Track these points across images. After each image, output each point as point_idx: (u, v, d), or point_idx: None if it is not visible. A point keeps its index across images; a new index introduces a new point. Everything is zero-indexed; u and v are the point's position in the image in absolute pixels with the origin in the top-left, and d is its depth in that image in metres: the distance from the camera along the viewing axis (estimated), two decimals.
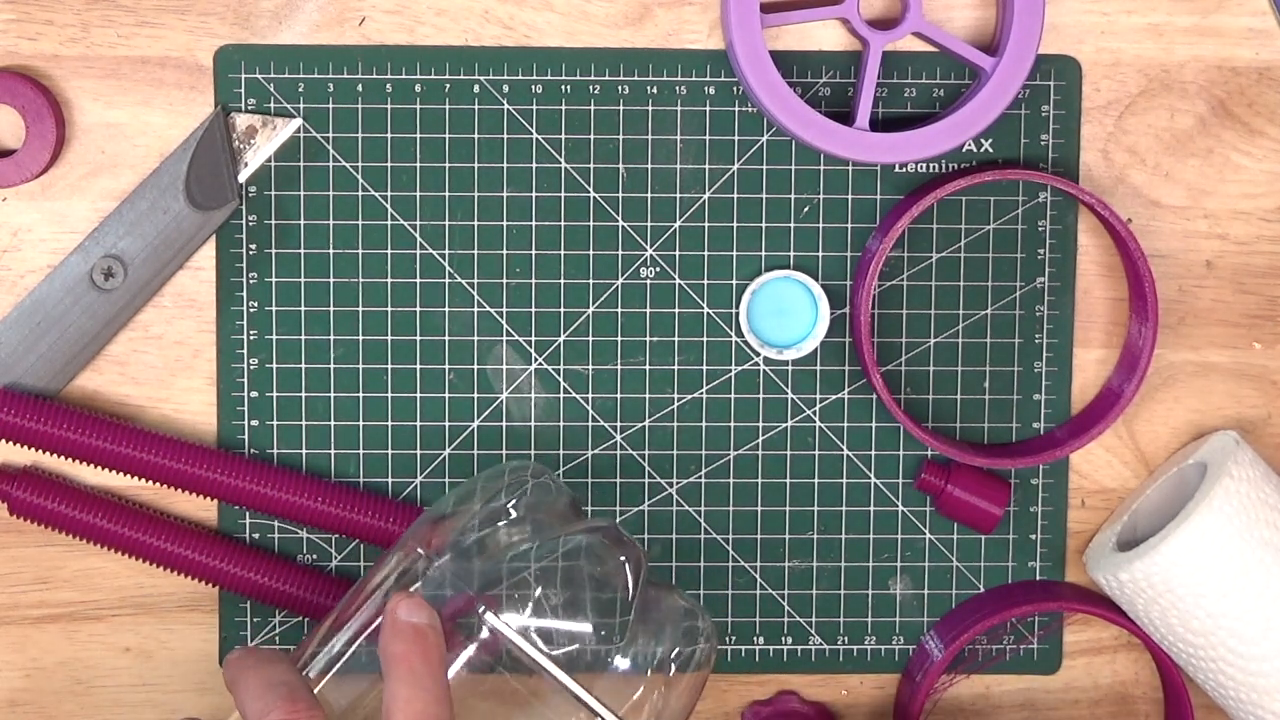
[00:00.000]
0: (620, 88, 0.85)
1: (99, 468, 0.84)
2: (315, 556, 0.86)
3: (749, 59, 0.82)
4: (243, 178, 0.84)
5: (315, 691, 0.72)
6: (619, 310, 0.86)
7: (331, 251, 0.85)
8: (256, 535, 0.86)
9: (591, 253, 0.86)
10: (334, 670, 0.74)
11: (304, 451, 0.86)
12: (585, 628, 0.74)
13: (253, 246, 0.85)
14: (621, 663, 0.75)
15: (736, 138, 0.85)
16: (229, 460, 0.84)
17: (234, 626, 0.86)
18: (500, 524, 0.76)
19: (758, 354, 0.86)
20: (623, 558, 0.76)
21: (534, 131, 0.85)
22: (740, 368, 0.86)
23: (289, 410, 0.86)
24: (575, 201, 0.85)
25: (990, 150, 0.86)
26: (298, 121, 0.84)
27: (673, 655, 0.77)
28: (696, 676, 0.77)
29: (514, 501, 0.77)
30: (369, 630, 0.74)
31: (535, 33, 0.85)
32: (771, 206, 0.86)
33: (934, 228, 0.86)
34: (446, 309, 0.86)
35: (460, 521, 0.76)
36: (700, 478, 0.87)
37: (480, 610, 0.73)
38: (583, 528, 0.76)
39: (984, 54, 0.83)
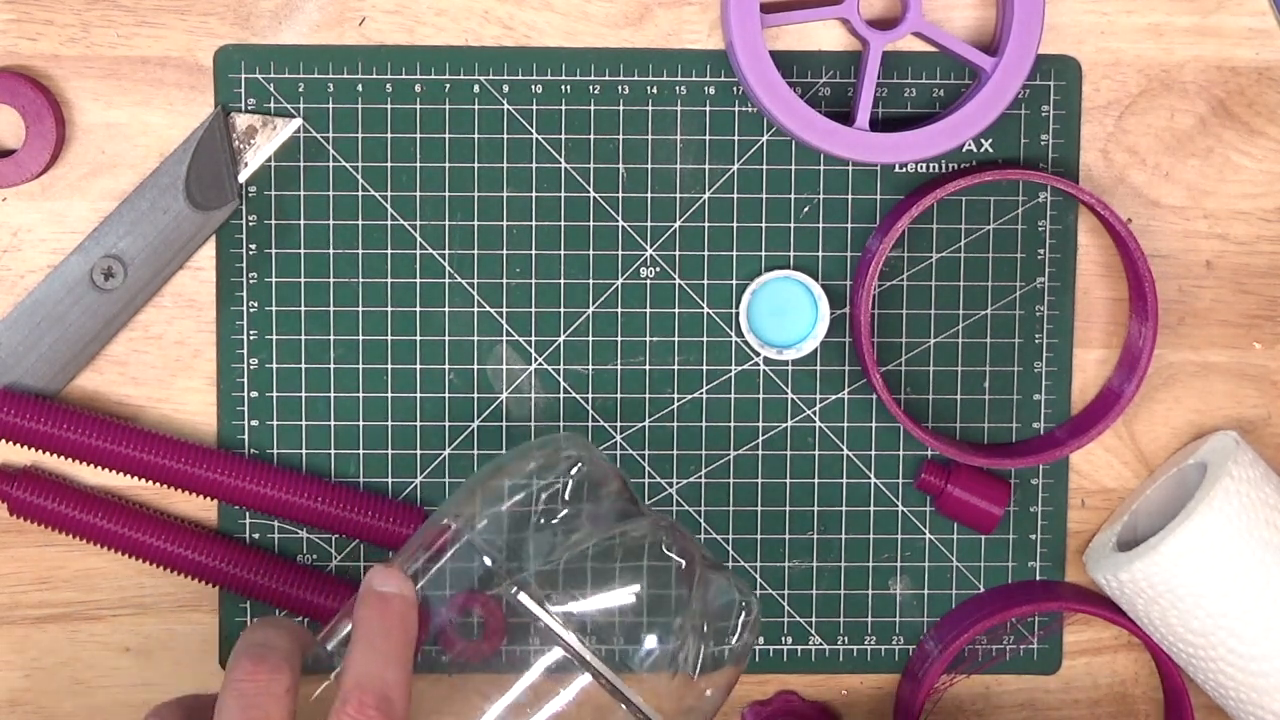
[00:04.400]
0: (620, 88, 0.85)
1: (99, 468, 0.84)
2: (315, 556, 0.86)
3: (749, 59, 0.82)
4: (243, 178, 0.84)
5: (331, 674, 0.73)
6: (619, 310, 0.86)
7: (331, 251, 0.85)
8: (256, 535, 0.86)
9: (591, 253, 0.86)
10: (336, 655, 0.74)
11: (304, 451, 0.86)
12: (646, 635, 0.74)
13: (253, 246, 0.85)
14: (662, 654, 0.75)
15: (736, 138, 0.85)
16: (229, 460, 0.84)
17: (234, 626, 0.86)
18: (554, 519, 0.75)
19: (758, 354, 0.86)
20: (681, 559, 0.75)
21: (534, 131, 0.85)
22: (740, 368, 0.86)
23: (289, 410, 0.86)
24: (575, 201, 0.85)
25: (990, 150, 0.86)
26: (298, 121, 0.85)
27: (715, 648, 0.76)
28: (736, 668, 0.77)
29: (566, 490, 0.76)
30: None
31: (535, 33, 0.85)
32: (771, 206, 0.86)
33: (934, 228, 0.86)
34: (446, 309, 0.86)
35: (503, 503, 0.75)
36: (700, 478, 0.87)
37: (514, 592, 0.73)
38: (640, 528, 0.76)
39: (984, 54, 0.83)
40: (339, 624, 0.74)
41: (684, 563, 0.75)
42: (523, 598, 0.73)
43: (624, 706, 0.73)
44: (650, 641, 0.74)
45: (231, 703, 0.68)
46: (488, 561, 0.74)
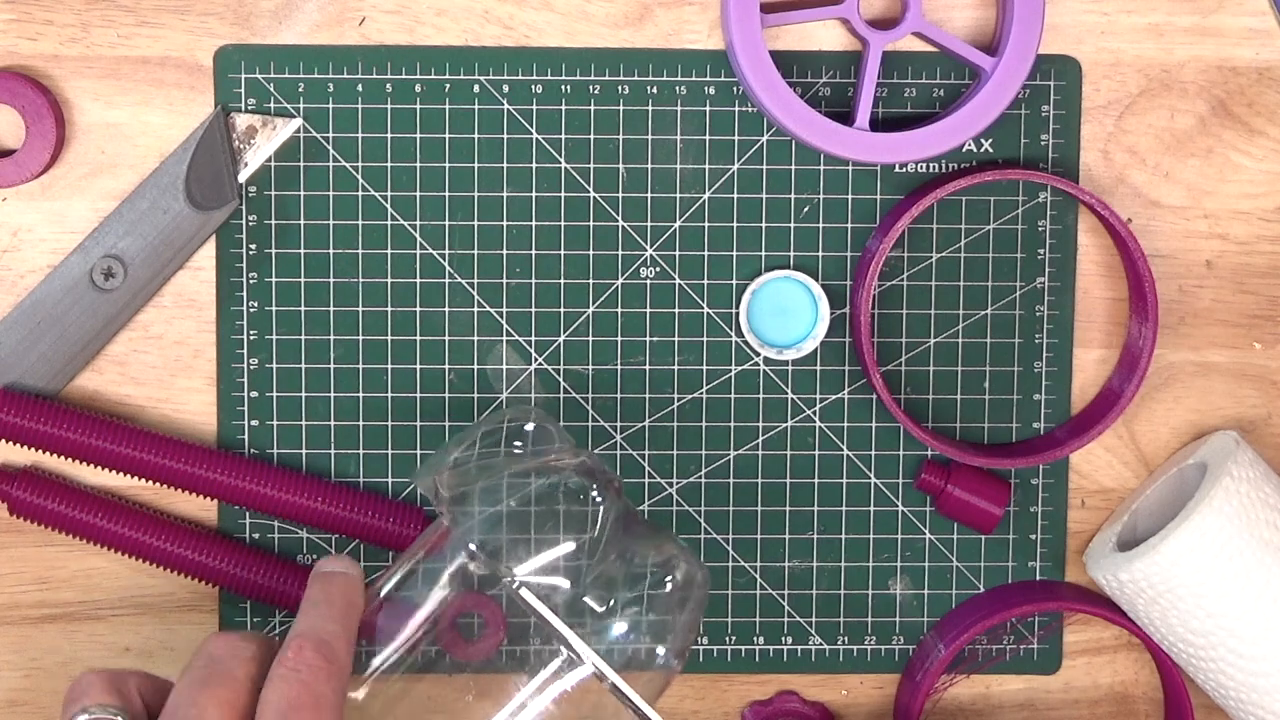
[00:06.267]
0: (620, 88, 0.85)
1: (99, 468, 0.84)
2: (315, 556, 0.86)
3: (749, 59, 0.82)
4: (243, 178, 0.84)
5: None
6: (619, 310, 0.86)
7: (331, 251, 0.85)
8: (256, 535, 0.86)
9: (591, 253, 0.86)
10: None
11: (304, 451, 0.86)
12: (561, 574, 0.74)
13: (253, 246, 0.85)
14: (607, 611, 0.75)
15: (736, 138, 0.85)
16: (229, 460, 0.84)
17: (234, 626, 0.86)
18: (500, 455, 0.76)
19: (758, 354, 0.86)
20: (598, 496, 0.76)
21: (534, 131, 0.85)
22: (740, 368, 0.86)
23: (289, 410, 0.86)
24: (575, 201, 0.85)
25: (990, 150, 0.86)
26: (298, 121, 0.85)
27: (661, 597, 0.76)
28: (689, 618, 0.77)
29: (516, 443, 0.77)
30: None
31: (535, 33, 0.85)
32: (771, 206, 0.86)
33: (934, 228, 0.86)
34: (446, 309, 0.86)
35: (462, 470, 0.76)
36: (700, 478, 0.87)
37: (514, 585, 0.73)
38: (569, 464, 0.76)
39: (984, 54, 0.83)
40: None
41: (603, 503, 0.76)
42: (522, 591, 0.73)
43: (621, 700, 0.74)
44: (612, 616, 0.75)
45: (197, 663, 0.69)
46: (475, 565, 0.74)
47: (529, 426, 0.77)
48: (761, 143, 0.85)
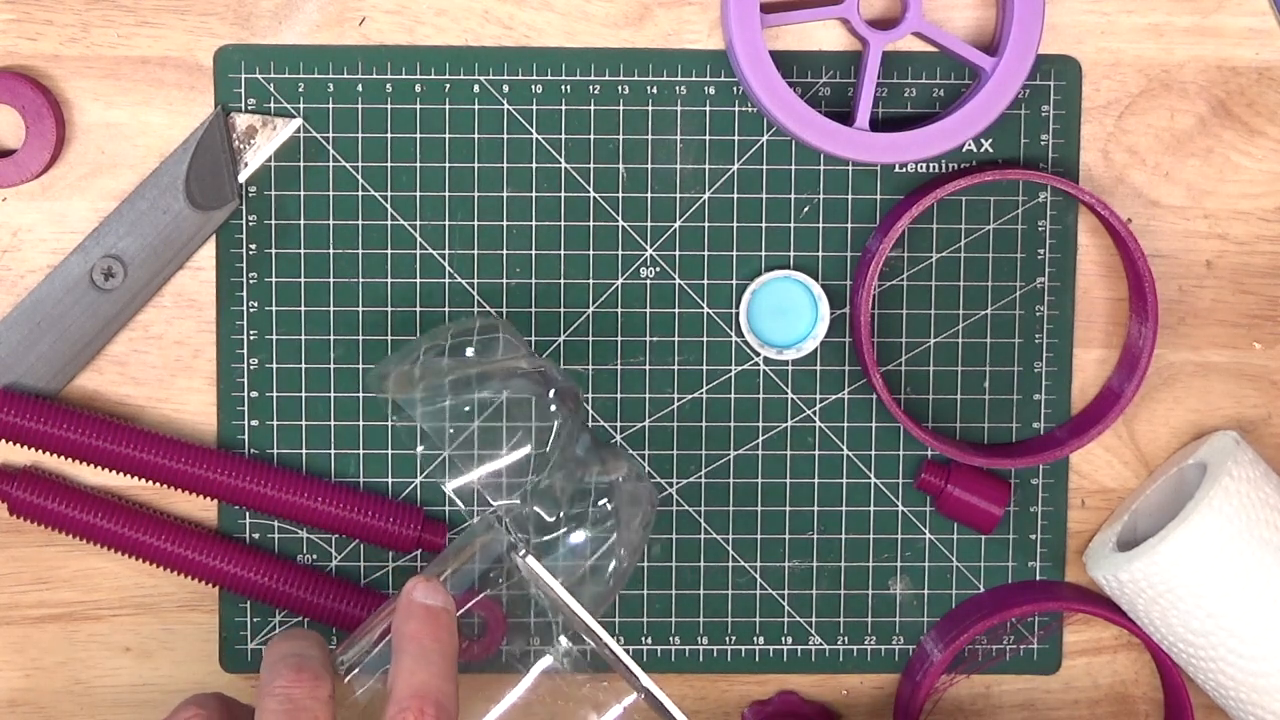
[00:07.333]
0: (620, 88, 0.85)
1: (99, 468, 0.84)
2: (315, 556, 0.86)
3: (749, 59, 0.82)
4: (243, 178, 0.84)
5: (347, 680, 0.73)
6: (619, 310, 0.86)
7: (331, 251, 0.85)
8: (256, 535, 0.86)
9: (591, 253, 0.86)
10: (364, 662, 0.74)
11: (304, 451, 0.86)
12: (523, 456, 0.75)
13: (253, 246, 0.85)
14: (567, 528, 0.75)
15: (736, 138, 0.85)
16: (229, 460, 0.84)
17: (234, 626, 0.86)
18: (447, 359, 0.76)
19: (758, 354, 0.86)
20: (554, 407, 0.76)
21: (534, 131, 0.85)
22: (740, 368, 0.86)
23: (289, 410, 0.86)
24: (575, 201, 0.85)
25: (990, 150, 0.86)
26: (298, 121, 0.85)
27: (620, 518, 0.76)
28: (635, 537, 0.77)
29: (469, 345, 0.76)
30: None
31: (535, 33, 0.85)
32: (771, 206, 0.86)
33: (934, 228, 0.86)
34: (446, 309, 0.86)
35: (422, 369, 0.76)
36: (700, 478, 0.87)
37: (518, 553, 0.73)
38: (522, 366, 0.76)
39: (984, 54, 0.83)
40: (359, 636, 0.74)
41: (560, 418, 0.76)
42: (530, 562, 0.73)
43: (634, 685, 0.73)
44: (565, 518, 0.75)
45: (275, 706, 0.68)
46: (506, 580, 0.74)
47: (479, 333, 0.77)
48: (761, 143, 0.85)
